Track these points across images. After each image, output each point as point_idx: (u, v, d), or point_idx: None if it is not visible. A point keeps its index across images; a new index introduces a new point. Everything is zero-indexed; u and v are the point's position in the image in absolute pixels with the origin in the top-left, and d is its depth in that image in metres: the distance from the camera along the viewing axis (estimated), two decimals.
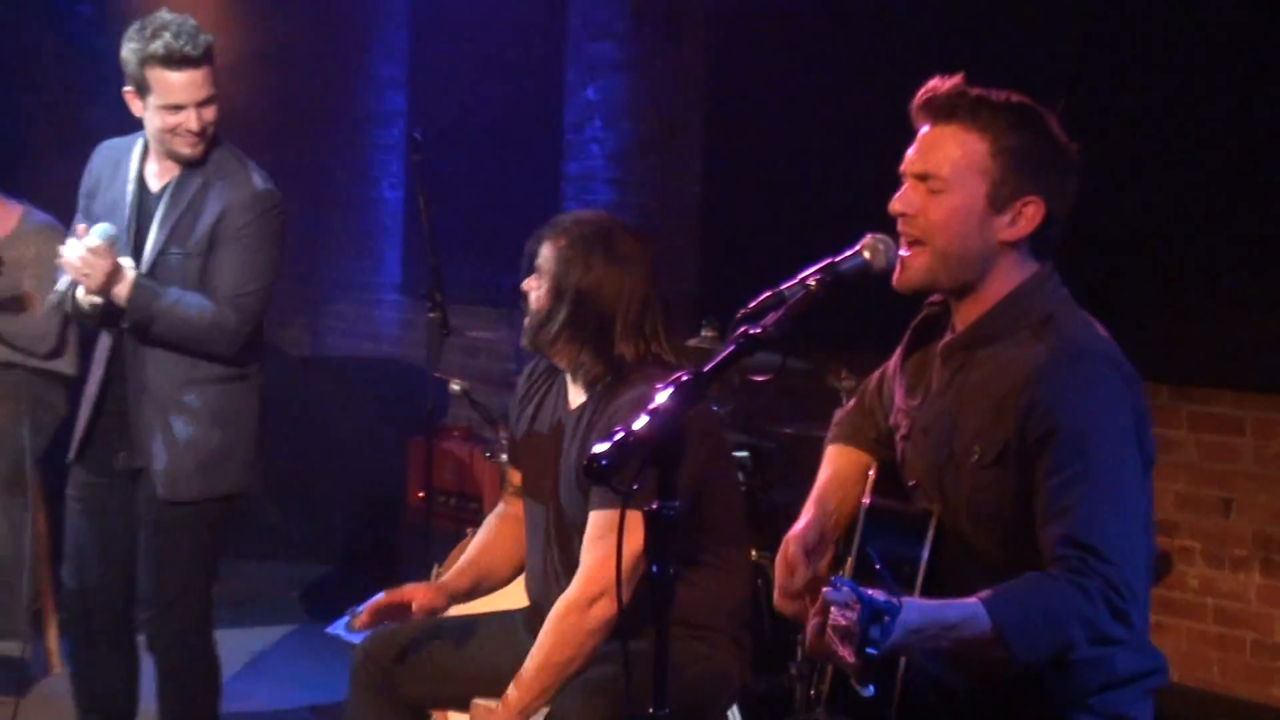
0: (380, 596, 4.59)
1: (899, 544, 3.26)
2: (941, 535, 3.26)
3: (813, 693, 5.29)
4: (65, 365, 6.76)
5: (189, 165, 5.12)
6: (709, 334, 5.87)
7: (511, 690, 4.17)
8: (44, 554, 6.83)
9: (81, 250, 4.89)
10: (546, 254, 4.36)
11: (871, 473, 3.54)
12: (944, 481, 3.31)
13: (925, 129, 3.32)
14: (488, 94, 8.91)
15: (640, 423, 2.80)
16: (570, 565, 4.26)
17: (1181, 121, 5.90)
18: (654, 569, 2.81)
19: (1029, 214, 3.23)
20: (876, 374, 3.72)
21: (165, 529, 5.27)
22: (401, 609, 4.51)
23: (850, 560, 3.35)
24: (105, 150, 5.32)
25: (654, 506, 2.81)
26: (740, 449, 5.73)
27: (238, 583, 8.26)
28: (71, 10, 9.17)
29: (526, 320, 4.39)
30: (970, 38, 6.41)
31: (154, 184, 5.20)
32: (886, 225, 3.36)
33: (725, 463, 4.46)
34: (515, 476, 4.67)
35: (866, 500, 3.40)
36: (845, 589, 2.81)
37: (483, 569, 4.64)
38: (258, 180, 5.21)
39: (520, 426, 4.60)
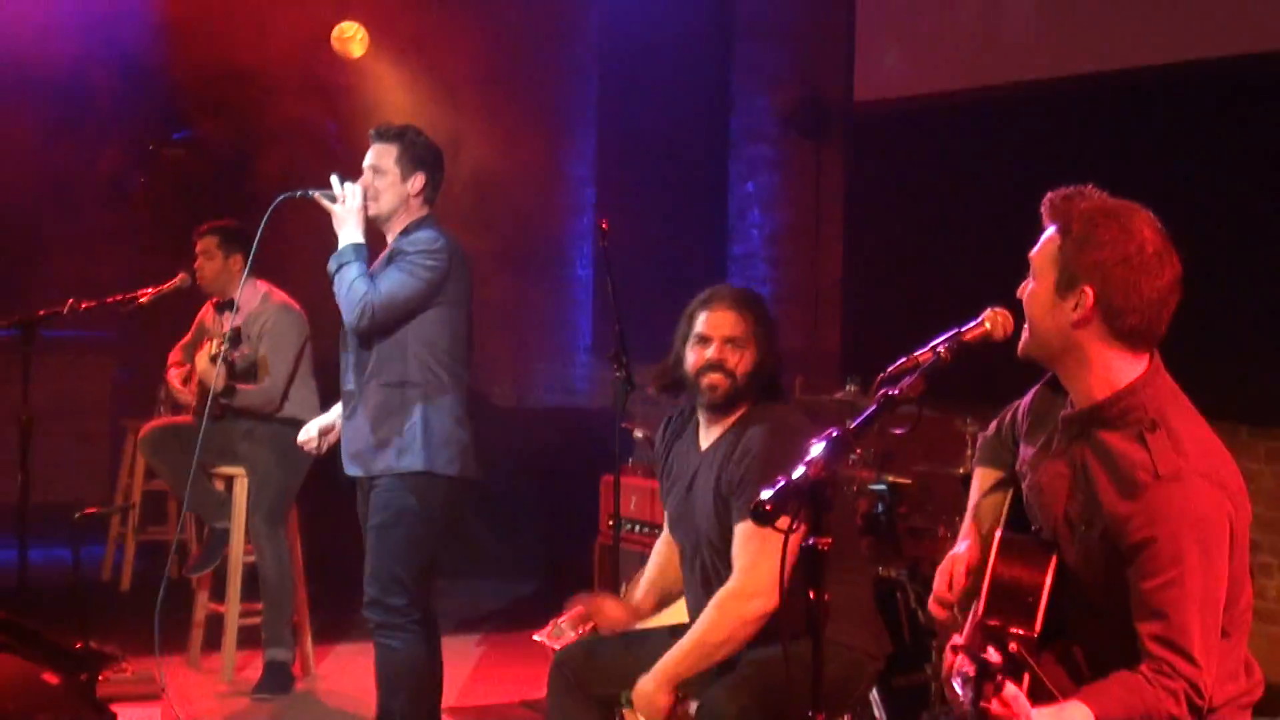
0: (579, 606, 4.58)
1: (1025, 572, 3.21)
2: (1062, 570, 3.19)
3: (945, 690, 5.23)
4: (308, 414, 6.82)
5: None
6: (852, 388, 5.84)
7: (665, 660, 4.17)
8: (301, 576, 6.90)
9: None
10: (745, 323, 4.28)
11: (1007, 502, 3.47)
12: (1059, 535, 3.25)
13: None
14: (663, 188, 8.96)
15: (798, 472, 2.79)
16: (715, 582, 4.27)
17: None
18: (810, 595, 2.78)
19: (1084, 300, 3.10)
20: (1011, 408, 3.60)
21: None
22: (598, 611, 4.52)
23: (982, 585, 3.28)
24: None
25: (810, 542, 2.79)
26: (879, 483, 5.69)
27: (459, 597, 8.33)
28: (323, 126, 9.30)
29: (723, 380, 4.27)
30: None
31: None
32: (994, 297, 3.33)
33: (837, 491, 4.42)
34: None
35: (999, 533, 3.33)
36: (964, 658, 2.80)
37: (663, 588, 4.67)
38: None
39: (664, 474, 4.58)
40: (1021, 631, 3.03)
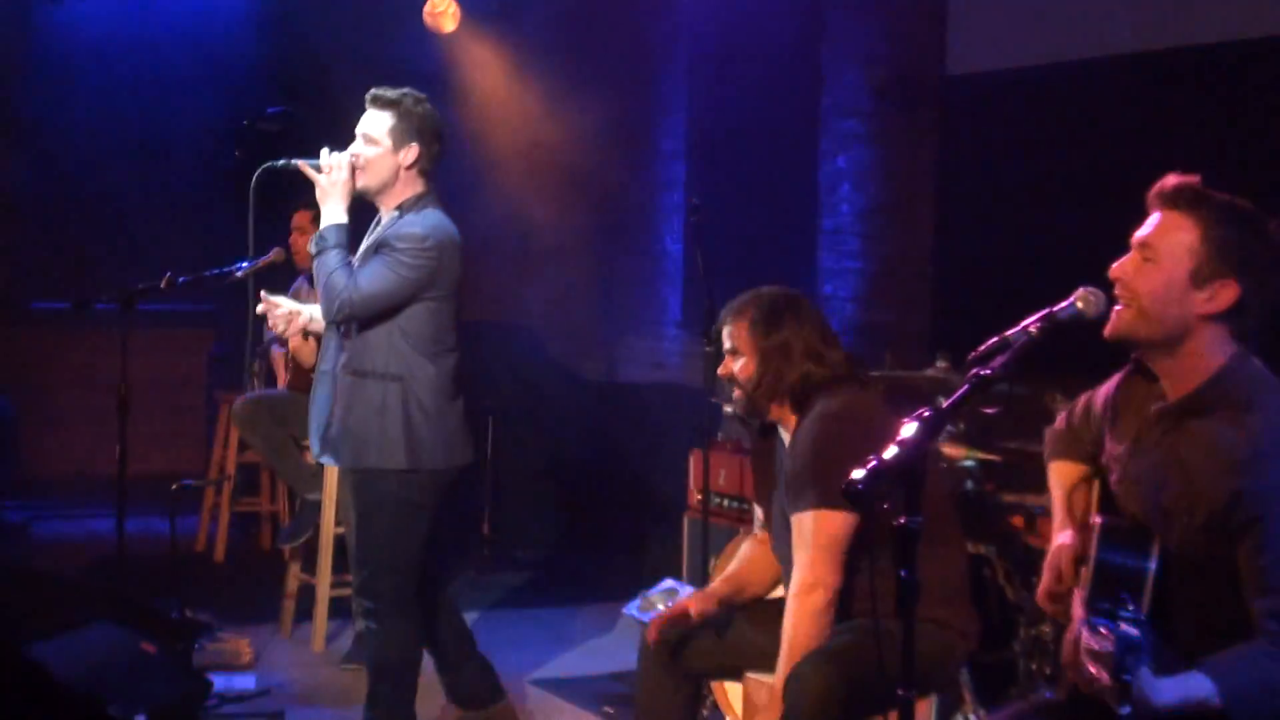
0: (667, 609, 4.59)
1: (1129, 557, 3.20)
2: (1165, 555, 3.20)
3: (1032, 666, 5.23)
4: None
5: None
6: (942, 365, 5.80)
7: (776, 673, 4.16)
8: None
9: None
10: (739, 334, 4.34)
11: (1095, 490, 3.47)
12: (1156, 527, 3.25)
13: (1154, 213, 3.28)
14: (752, 162, 8.93)
15: (890, 452, 2.79)
16: None
17: None
18: (903, 574, 2.78)
19: (1224, 295, 3.17)
20: (1080, 402, 3.67)
21: None
22: (683, 617, 4.47)
23: (1085, 571, 3.28)
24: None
25: (901, 521, 2.79)
26: (969, 460, 5.66)
27: (547, 570, 8.40)
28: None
29: (738, 394, 4.36)
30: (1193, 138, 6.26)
31: None
32: (1083, 274, 3.34)
33: (933, 469, 4.43)
34: (761, 513, 4.69)
35: (1099, 519, 3.33)
36: (1102, 626, 2.83)
37: (742, 582, 4.61)
38: None
39: (764, 480, 4.58)
40: (1130, 612, 3.03)
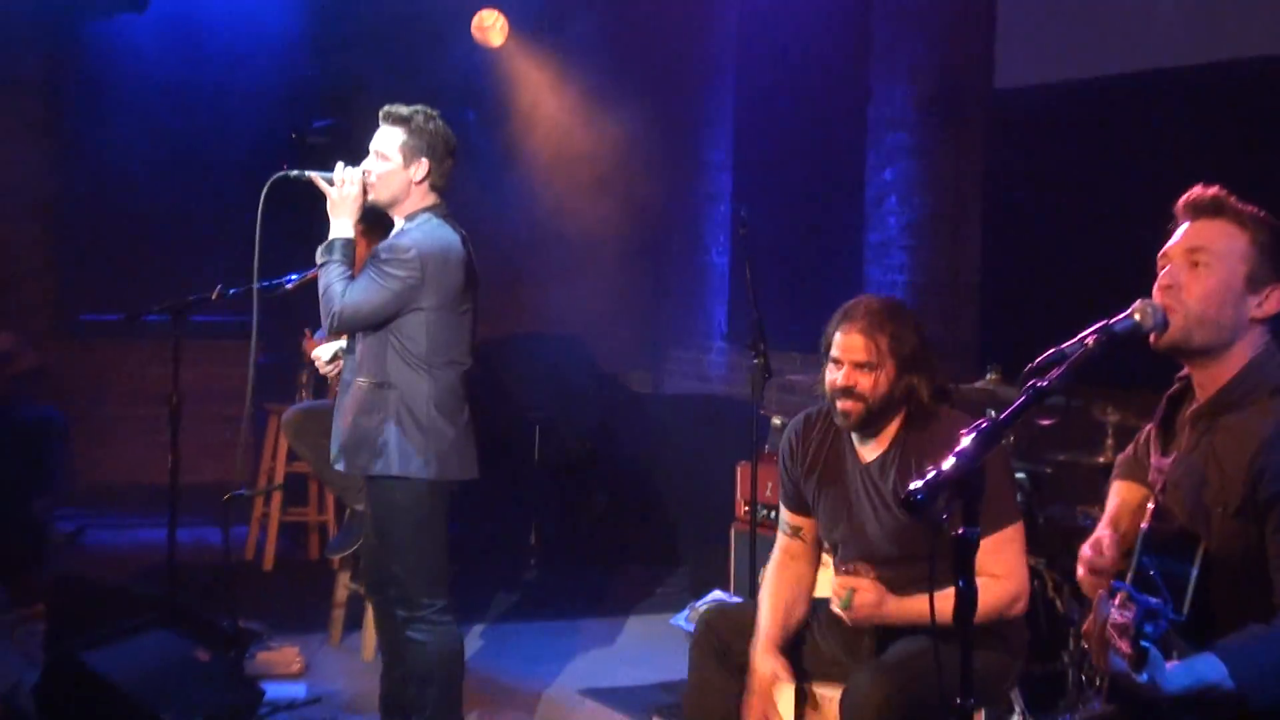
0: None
1: (1172, 563, 3.20)
2: (1208, 559, 3.20)
3: (1082, 677, 5.23)
4: None
5: None
6: (992, 378, 5.80)
7: (898, 600, 4.16)
8: None
9: None
10: (879, 347, 4.24)
11: (1150, 504, 3.48)
12: (1198, 528, 3.27)
13: (1189, 223, 3.32)
14: (800, 175, 8.96)
15: (949, 463, 2.80)
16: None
17: None
18: (960, 583, 2.79)
19: (1276, 298, 3.25)
20: (1145, 430, 3.67)
21: None
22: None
23: (1129, 575, 3.30)
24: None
25: (960, 532, 2.80)
26: (1019, 472, 5.67)
27: (596, 581, 8.42)
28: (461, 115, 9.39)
29: (854, 406, 4.26)
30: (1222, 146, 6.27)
31: None
32: (1130, 286, 3.38)
33: (1015, 488, 4.43)
34: (795, 519, 4.61)
35: (1145, 525, 3.34)
36: (1121, 589, 2.85)
37: (788, 610, 4.51)
38: None
39: (811, 482, 4.51)
40: (1170, 617, 3.05)
